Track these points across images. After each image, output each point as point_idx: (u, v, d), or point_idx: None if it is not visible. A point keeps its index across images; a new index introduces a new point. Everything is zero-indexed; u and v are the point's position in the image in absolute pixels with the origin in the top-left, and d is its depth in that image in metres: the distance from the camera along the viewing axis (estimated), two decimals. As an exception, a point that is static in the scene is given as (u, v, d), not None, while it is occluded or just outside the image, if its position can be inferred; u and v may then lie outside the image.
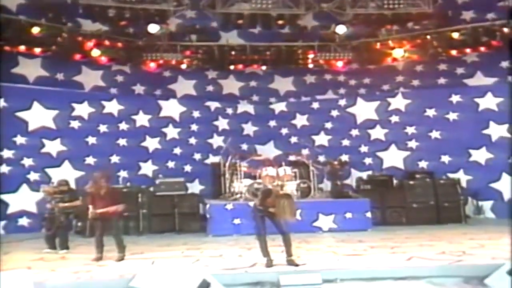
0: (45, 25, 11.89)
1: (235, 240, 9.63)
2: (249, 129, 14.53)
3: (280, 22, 13.64)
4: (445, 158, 13.06)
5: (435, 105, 13.38)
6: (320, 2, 13.19)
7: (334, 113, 14.19)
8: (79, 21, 13.03)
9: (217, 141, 13.99)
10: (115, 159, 12.80)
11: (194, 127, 13.92)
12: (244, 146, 14.09)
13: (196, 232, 10.90)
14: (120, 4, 12.56)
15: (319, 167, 12.13)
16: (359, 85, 14.47)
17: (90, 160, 12.48)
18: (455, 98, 13.29)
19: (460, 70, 13.63)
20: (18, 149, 11.72)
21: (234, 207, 10.59)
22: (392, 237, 9.49)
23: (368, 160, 13.69)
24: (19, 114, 11.92)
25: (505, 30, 12.20)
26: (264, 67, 14.36)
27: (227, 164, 11.86)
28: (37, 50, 12.09)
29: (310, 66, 14.06)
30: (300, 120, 14.42)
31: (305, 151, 13.29)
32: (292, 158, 12.28)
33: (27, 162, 11.77)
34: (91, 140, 12.67)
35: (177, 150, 13.63)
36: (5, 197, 11.41)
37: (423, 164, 13.21)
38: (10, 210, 11.42)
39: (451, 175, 12.55)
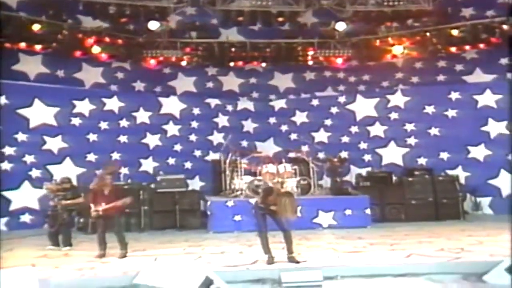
0: (45, 22, 11.91)
1: (236, 237, 9.71)
2: (249, 126, 14.58)
3: (280, 19, 13.71)
4: (444, 155, 13.14)
5: (434, 102, 13.45)
6: (320, -1, 13.25)
7: (334, 110, 14.24)
8: (79, 18, 13.07)
9: (217, 138, 14.04)
10: (116, 156, 12.85)
11: (194, 124, 13.97)
12: (244, 143, 14.16)
13: (197, 229, 10.97)
14: (120, 1, 12.62)
15: (319, 164, 12.20)
16: (358, 82, 14.51)
17: (91, 157, 12.55)
18: (454, 95, 13.36)
19: (459, 67, 13.68)
20: (19, 146, 11.77)
21: (234, 204, 10.65)
22: (391, 234, 9.56)
23: (367, 157, 13.75)
24: (20, 111, 11.96)
25: (505, 27, 12.25)
26: (264, 64, 14.40)
27: (227, 161, 11.93)
28: (38, 47, 12.12)
29: (310, 63, 14.10)
30: (300, 117, 14.47)
31: (304, 148, 13.38)
32: (292, 155, 12.33)
33: (29, 159, 11.82)
34: (92, 137, 12.73)
35: (178, 147, 13.69)
36: (7, 193, 11.46)
37: (422, 160, 13.28)
38: (12, 207, 11.48)
39: (449, 172, 12.61)
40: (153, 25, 12.84)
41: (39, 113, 12.15)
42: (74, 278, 6.45)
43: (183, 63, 13.70)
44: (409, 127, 13.57)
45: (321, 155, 13.35)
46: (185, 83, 14.37)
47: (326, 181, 12.84)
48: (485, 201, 12.48)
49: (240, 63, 14.20)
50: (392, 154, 13.60)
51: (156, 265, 6.38)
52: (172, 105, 13.90)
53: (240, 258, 7.52)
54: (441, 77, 13.85)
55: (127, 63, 13.73)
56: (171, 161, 13.50)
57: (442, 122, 13.29)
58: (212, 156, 13.72)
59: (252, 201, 9.74)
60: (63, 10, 12.72)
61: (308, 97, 14.65)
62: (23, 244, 9.26)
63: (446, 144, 13.11)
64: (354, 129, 14.01)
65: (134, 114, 13.38)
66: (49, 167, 11.94)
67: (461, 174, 12.62)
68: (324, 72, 14.64)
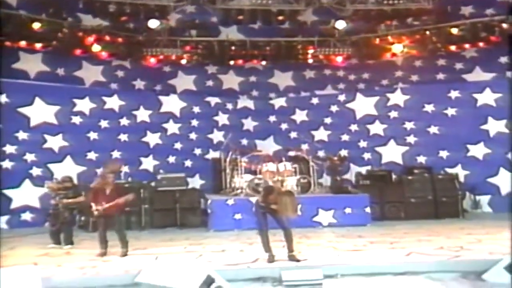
0: (45, 20, 11.94)
1: (236, 235, 9.74)
2: (249, 124, 14.60)
3: (280, 17, 13.75)
4: (443, 153, 13.17)
5: (433, 100, 13.48)
6: (320, -3, 13.28)
7: (334, 108, 14.27)
8: (79, 16, 13.10)
9: (217, 136, 14.06)
10: (116, 154, 12.87)
11: (194, 122, 13.99)
12: (244, 141, 14.18)
13: (197, 227, 11.02)
14: (120, -1, 12.66)
15: (319, 162, 12.25)
16: (358, 80, 14.54)
17: (91, 155, 12.57)
18: (453, 94, 13.39)
19: (459, 66, 13.71)
20: (20, 145, 11.79)
21: (235, 203, 10.69)
22: (391, 232, 9.60)
23: (367, 155, 13.78)
24: (21, 109, 11.98)
25: (504, 25, 12.30)
26: (264, 62, 14.44)
27: (227, 160, 11.96)
28: (38, 46, 12.16)
29: (310, 61, 14.12)
30: (300, 116, 14.50)
31: (304, 146, 13.41)
32: (292, 153, 12.36)
33: (30, 157, 11.85)
34: (93, 135, 12.75)
35: (178, 145, 13.71)
36: (8, 192, 11.50)
37: (421, 159, 13.32)
38: (13, 205, 11.52)
39: (449, 170, 12.66)
40: (153, 23, 12.88)
41: (40, 112, 12.17)
42: (76, 277, 6.49)
43: (183, 62, 13.74)
44: (409, 125, 13.61)
45: (321, 153, 13.39)
46: (185, 81, 14.39)
47: (326, 180, 12.92)
48: (484, 199, 12.53)
49: (240, 61, 14.25)
50: (392, 153, 13.64)
51: (158, 263, 6.42)
52: (172, 104, 13.92)
53: (241, 256, 7.56)
54: (440, 76, 13.88)
55: (127, 62, 13.74)
56: (171, 159, 13.53)
57: (442, 120, 13.32)
58: (212, 154, 13.76)
59: (253, 199, 9.85)
60: (63, 8, 12.75)
61: (308, 95, 14.67)
62: (24, 242, 9.30)
63: (445, 143, 13.14)
64: (354, 127, 14.04)
65: (135, 112, 13.39)
66: (49, 165, 11.96)
67: (460, 172, 12.66)
68: (324, 71, 14.66)
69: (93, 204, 7.79)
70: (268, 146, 14.15)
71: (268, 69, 14.73)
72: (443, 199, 11.66)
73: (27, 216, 11.59)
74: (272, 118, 14.66)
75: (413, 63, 14.07)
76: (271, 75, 14.88)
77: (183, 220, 11.29)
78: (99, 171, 11.44)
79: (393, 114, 13.80)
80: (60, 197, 8.71)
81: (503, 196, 12.36)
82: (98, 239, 7.87)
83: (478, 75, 13.47)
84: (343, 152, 13.52)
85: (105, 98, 13.09)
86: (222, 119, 14.34)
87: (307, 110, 14.47)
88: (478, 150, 12.89)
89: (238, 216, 10.51)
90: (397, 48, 13.41)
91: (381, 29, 13.82)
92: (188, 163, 13.66)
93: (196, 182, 13.34)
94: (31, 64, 12.49)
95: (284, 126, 14.54)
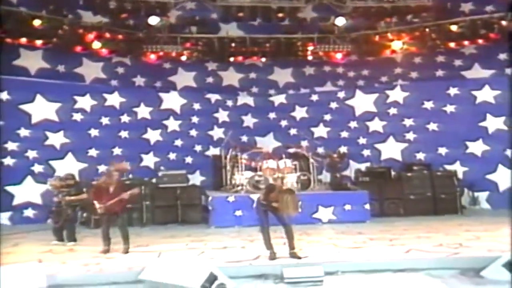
0: (46, 17, 11.94)
1: (237, 232, 9.82)
2: (249, 121, 14.67)
3: (280, 15, 13.77)
4: (442, 150, 13.26)
5: (433, 97, 13.55)
6: (320, -6, 13.30)
7: (333, 105, 14.33)
8: (79, 13, 13.11)
9: (217, 133, 14.14)
10: (117, 151, 12.97)
11: (194, 119, 14.05)
12: (244, 138, 14.26)
13: (198, 223, 11.12)
14: (121, -4, 12.69)
15: (319, 159, 12.30)
16: (357, 77, 14.60)
17: (92, 152, 12.64)
18: (452, 91, 13.46)
19: (458, 62, 13.77)
20: (22, 142, 11.87)
21: (235, 199, 10.77)
22: (390, 228, 9.69)
23: (366, 152, 13.86)
24: (23, 106, 12.04)
25: (504, 22, 12.34)
26: (263, 59, 14.48)
27: (228, 157, 12.02)
28: (38, 42, 12.19)
29: (309, 58, 14.16)
30: (299, 112, 14.56)
31: (304, 143, 13.48)
32: (292, 150, 12.42)
33: (31, 154, 11.92)
34: (94, 132, 12.81)
35: (178, 142, 13.77)
36: (10, 188, 11.59)
37: (420, 155, 13.41)
38: (15, 202, 11.61)
39: (448, 167, 12.76)
40: (153, 20, 12.88)
41: (41, 109, 12.23)
42: (80, 274, 6.55)
43: (183, 58, 13.78)
44: (408, 122, 13.69)
45: (320, 150, 13.46)
46: (185, 78, 14.43)
47: (326, 176, 12.97)
48: (482, 195, 12.62)
49: (240, 58, 14.27)
50: (391, 149, 13.72)
51: (161, 261, 6.49)
52: (172, 101, 13.97)
53: (242, 253, 7.62)
54: (440, 72, 13.95)
55: (127, 58, 13.77)
56: (172, 156, 13.60)
57: (441, 117, 13.40)
58: (213, 151, 13.82)
59: (253, 196, 9.98)
60: (64, 5, 12.78)
61: (307, 92, 14.73)
62: (28, 239, 9.38)
63: (444, 139, 13.23)
64: (353, 124, 14.12)
65: (135, 109, 13.45)
66: (51, 162, 12.05)
67: (459, 169, 12.76)
68: (324, 67, 14.72)
69: (95, 202, 7.85)
70: (268, 142, 14.21)
71: (268, 65, 14.78)
72: (442, 196, 11.75)
73: (29, 212, 11.69)
74: (272, 115, 14.73)
75: (413, 60, 14.11)
76: (271, 72, 14.92)
77: (184, 217, 11.39)
78: (105, 168, 11.61)
79: (393, 111, 13.87)
80: (63, 195, 8.79)
81: (501, 193, 12.47)
82: (101, 236, 7.94)
83: (477, 72, 13.53)
84: (343, 149, 13.58)
85: (105, 95, 13.15)
86: (222, 115, 14.40)
87: (306, 107, 14.53)
88: (476, 147, 12.97)
89: (238, 213, 10.59)
90: (397, 45, 13.47)
91: (380, 26, 13.88)
92: (188, 159, 13.74)
93: (196, 178, 13.44)
94: (32, 61, 12.53)
95: (284, 122, 14.61)
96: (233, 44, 13.83)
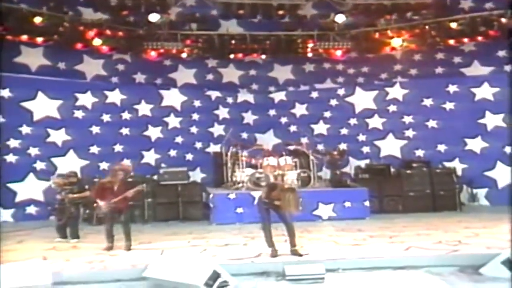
0: (46, 14, 11.95)
1: (238, 229, 9.89)
2: (249, 118, 14.72)
3: (281, 12, 13.80)
4: (441, 147, 13.33)
5: (432, 94, 13.61)
6: (320, -8, 13.33)
7: (333, 102, 14.38)
8: (80, 10, 13.14)
9: (218, 130, 14.19)
10: (118, 148, 13.03)
11: (195, 116, 14.09)
12: (244, 135, 14.32)
13: (199, 220, 11.20)
14: (121, -7, 12.70)
15: (319, 157, 12.39)
16: (357, 74, 14.66)
17: (94, 149, 12.70)
18: (452, 88, 13.52)
19: (457, 59, 13.84)
20: (24, 139, 11.91)
21: (236, 197, 10.84)
22: (389, 225, 9.76)
23: (366, 149, 13.94)
24: (24, 104, 12.08)
25: (503, 20, 12.38)
26: (263, 56, 14.51)
27: (228, 154, 12.09)
28: (39, 40, 12.20)
29: (309, 55, 14.19)
30: (299, 109, 14.62)
31: (304, 140, 13.55)
32: (292, 147, 12.49)
33: (33, 151, 11.98)
34: (95, 129, 12.85)
35: (179, 139, 13.83)
36: (13, 185, 11.64)
37: (419, 152, 13.48)
38: (18, 199, 11.67)
39: (447, 164, 12.83)
40: (154, 17, 12.90)
41: (43, 106, 12.27)
42: (85, 271, 6.63)
43: (184, 55, 13.79)
44: (407, 119, 13.75)
45: (320, 147, 13.54)
46: (185, 75, 14.47)
47: (326, 173, 13.08)
48: (481, 192, 12.71)
49: (240, 55, 14.31)
50: (390, 146, 13.79)
51: (164, 258, 6.56)
52: (173, 98, 14.01)
53: (244, 250, 7.69)
54: (439, 69, 14.01)
55: (128, 55, 13.79)
56: (173, 153, 13.65)
57: (440, 114, 13.46)
58: (213, 148, 13.89)
59: (254, 193, 10.06)
60: (64, 2, 12.82)
61: (307, 89, 14.77)
62: (31, 236, 9.45)
63: (443, 136, 13.30)
64: (353, 121, 14.17)
65: (136, 106, 13.48)
66: (53, 159, 12.10)
67: (458, 166, 12.84)
68: (323, 64, 14.77)
69: (98, 200, 7.92)
70: (268, 139, 14.31)
71: (268, 62, 14.82)
72: (441, 193, 11.85)
73: (31, 209, 11.75)
74: (272, 112, 14.78)
75: (412, 57, 14.17)
76: (271, 69, 14.97)
77: (185, 214, 11.48)
78: (107, 165, 11.72)
79: (392, 108, 13.93)
80: (66, 192, 8.86)
81: (500, 189, 12.56)
82: (105, 234, 8.01)
83: (477, 69, 13.59)
84: (342, 146, 13.66)
85: (106, 92, 13.18)
86: (223, 113, 14.45)
87: (306, 104, 14.58)
88: (475, 144, 13.05)
89: (239, 210, 10.67)
90: (396, 42, 13.50)
91: (380, 23, 13.91)
92: (189, 156, 13.80)
93: (197, 175, 13.49)
94: (33, 58, 12.57)
95: (283, 120, 14.67)
96: (233, 41, 13.84)
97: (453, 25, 13.00)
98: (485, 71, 13.49)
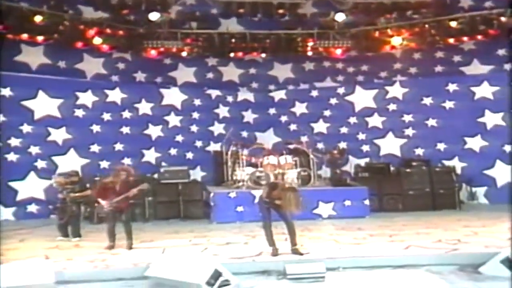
0: (46, 13, 11.96)
1: (239, 227, 9.94)
2: (249, 116, 14.75)
3: (281, 11, 13.81)
4: (441, 146, 13.37)
5: (432, 93, 13.62)
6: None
7: (333, 101, 14.41)
8: (80, 9, 13.14)
9: (218, 128, 14.22)
10: (119, 146, 13.06)
11: (195, 115, 14.11)
12: (244, 134, 14.35)
13: (200, 219, 11.24)
14: (121, -9, 12.71)
15: (319, 155, 12.43)
16: (357, 72, 14.69)
17: (95, 148, 12.72)
18: (451, 87, 13.54)
19: (457, 58, 13.87)
20: (25, 138, 11.94)
21: (237, 195, 10.87)
22: (389, 224, 9.81)
23: (365, 148, 13.97)
24: (25, 103, 12.09)
25: (503, 18, 12.41)
26: (263, 55, 14.52)
27: (229, 153, 12.13)
28: (40, 38, 12.22)
29: (309, 53, 14.22)
30: (299, 108, 14.64)
31: (304, 139, 13.58)
32: (292, 146, 12.53)
33: (34, 150, 12.00)
34: (96, 128, 12.87)
35: (179, 138, 13.85)
36: (14, 184, 11.68)
37: (419, 151, 13.51)
38: (19, 197, 11.71)
39: (446, 162, 12.88)
40: (154, 15, 12.91)
41: (43, 105, 12.28)
42: (87, 270, 6.67)
43: (184, 54, 13.80)
44: (407, 118, 13.78)
45: (320, 145, 13.59)
46: (185, 73, 14.49)
47: (326, 171, 13.13)
48: (480, 191, 12.75)
49: (240, 53, 14.32)
50: (390, 145, 13.82)
51: (166, 257, 6.61)
52: (173, 96, 14.02)
53: (245, 249, 7.73)
54: (439, 68, 14.05)
55: (128, 54, 13.81)
56: (173, 151, 13.68)
57: (440, 113, 13.48)
58: (213, 146, 13.93)
59: (254, 192, 10.11)
60: (64, 0, 12.81)
61: (307, 88, 14.80)
62: (33, 235, 9.49)
63: (443, 135, 13.33)
64: (352, 120, 14.20)
65: (136, 105, 13.49)
66: (54, 158, 12.13)
67: (457, 164, 12.88)
68: (323, 63, 14.80)
69: (100, 200, 7.96)
70: (268, 138, 14.33)
71: (268, 61, 14.84)
72: (441, 191, 11.89)
73: (32, 208, 11.79)
74: (272, 111, 14.81)
75: (412, 55, 14.20)
76: (271, 67, 14.99)
77: (186, 212, 11.53)
78: (107, 164, 11.74)
79: (392, 107, 13.95)
80: (68, 192, 8.91)
81: (499, 188, 12.60)
82: (106, 233, 8.04)
83: (476, 67, 13.63)
84: (342, 144, 13.71)
85: (107, 91, 13.19)
86: (223, 111, 14.47)
87: (306, 102, 14.61)
88: (475, 143, 13.09)
89: (240, 209, 10.71)
90: (396, 40, 13.52)
91: (380, 22, 13.92)
92: (189, 155, 13.83)
93: (197, 174, 13.53)
94: (33, 56, 12.60)
95: (283, 118, 14.70)
96: (233, 40, 13.86)
97: (453, 23, 13.04)
98: (484, 69, 13.53)
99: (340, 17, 13.37)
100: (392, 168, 12.72)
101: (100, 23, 12.80)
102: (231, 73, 14.86)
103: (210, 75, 14.70)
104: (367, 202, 11.06)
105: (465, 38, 13.37)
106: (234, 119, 14.38)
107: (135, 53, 13.66)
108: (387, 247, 7.71)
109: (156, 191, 11.53)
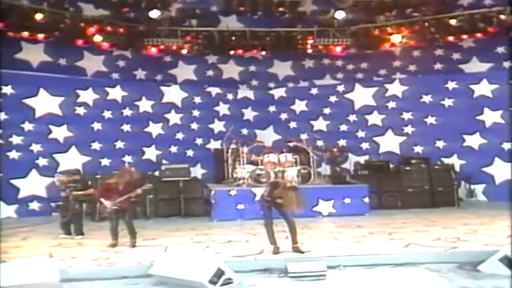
0: (47, 10, 11.95)
1: (239, 225, 10.01)
2: (249, 114, 14.82)
3: (281, 8, 13.80)
4: (440, 143, 13.45)
5: (431, 91, 13.69)
6: (321, -11, 13.36)
7: (333, 98, 14.47)
8: (80, 6, 13.10)
9: (218, 126, 14.29)
10: (119, 144, 13.13)
11: (195, 112, 14.17)
12: (244, 131, 14.42)
13: (200, 216, 11.31)
14: (122, -11, 12.70)
15: (319, 153, 12.50)
16: (357, 70, 14.71)
17: (95, 145, 12.79)
18: (451, 85, 13.60)
19: (456, 56, 13.88)
20: (26, 135, 12.00)
21: (237, 193, 10.95)
22: (389, 222, 9.90)
23: (365, 145, 14.05)
24: (26, 101, 12.15)
25: (502, 16, 12.42)
26: (263, 52, 14.52)
27: (229, 150, 12.19)
28: (40, 36, 12.20)
29: (309, 51, 14.22)
30: (299, 106, 14.71)
31: (304, 136, 13.65)
32: (292, 144, 12.59)
33: (36, 148, 12.07)
34: (96, 126, 12.93)
35: (180, 135, 13.92)
36: (16, 182, 11.75)
37: (418, 149, 13.59)
38: (21, 195, 11.79)
39: (445, 160, 12.97)
40: (154, 13, 12.91)
41: (45, 103, 12.34)
42: (91, 268, 6.73)
43: (184, 51, 13.79)
44: (406, 116, 13.85)
45: (319, 143, 13.65)
46: (185, 71, 14.51)
47: (325, 169, 13.18)
48: (479, 188, 12.84)
49: (240, 51, 14.31)
50: (389, 143, 13.90)
51: (168, 255, 6.68)
52: (173, 94, 14.08)
53: (246, 247, 7.79)
54: (438, 66, 14.07)
55: (128, 52, 13.81)
56: (173, 149, 13.75)
57: (439, 111, 13.55)
58: (214, 144, 14.00)
59: (254, 190, 10.19)
60: (65, -2, 12.79)
61: (307, 85, 14.85)
62: (36, 233, 9.56)
63: (442, 133, 13.41)
64: (352, 117, 14.27)
65: (137, 103, 13.56)
66: (55, 155, 12.21)
67: (456, 162, 12.95)
68: (323, 60, 14.81)
69: (103, 200, 8.02)
70: (268, 135, 14.41)
71: (268, 59, 14.88)
72: (439, 189, 11.98)
73: (34, 205, 11.86)
74: (272, 108, 14.87)
75: (411, 53, 14.22)
76: (271, 65, 15.03)
77: (186, 210, 11.60)
78: (108, 162, 11.77)
79: (391, 104, 14.02)
80: (70, 190, 8.97)
81: (497, 185, 12.69)
82: (110, 231, 8.10)
83: (475, 65, 13.64)
84: (342, 142, 13.79)
85: (108, 89, 13.25)
86: (223, 109, 14.53)
87: (306, 100, 14.68)
88: (474, 140, 13.16)
89: (240, 206, 10.79)
90: (396, 38, 13.52)
91: (380, 19, 13.92)
92: (189, 153, 13.91)
93: (197, 171, 13.59)
94: (34, 54, 12.60)
95: (283, 116, 14.77)
96: (233, 38, 13.87)
97: (452, 21, 13.03)
98: (484, 67, 13.55)
99: (340, 14, 13.37)
100: (391, 166, 12.81)
101: (100, 21, 12.78)
102: (231, 70, 14.89)
103: (210, 72, 14.73)
104: (366, 199, 11.15)
105: (464, 36, 13.38)
106: (234, 116, 14.44)
107: (135, 50, 13.66)
108: (387, 245, 7.78)
109: (157, 189, 11.57)
